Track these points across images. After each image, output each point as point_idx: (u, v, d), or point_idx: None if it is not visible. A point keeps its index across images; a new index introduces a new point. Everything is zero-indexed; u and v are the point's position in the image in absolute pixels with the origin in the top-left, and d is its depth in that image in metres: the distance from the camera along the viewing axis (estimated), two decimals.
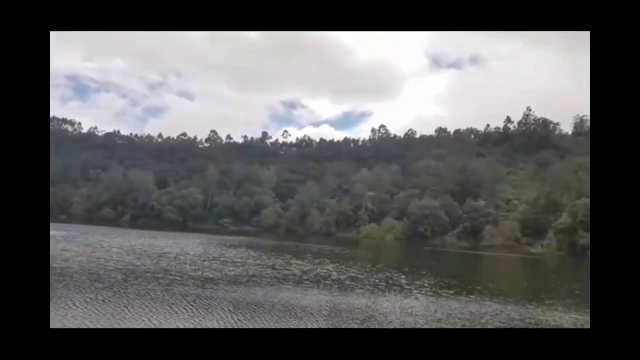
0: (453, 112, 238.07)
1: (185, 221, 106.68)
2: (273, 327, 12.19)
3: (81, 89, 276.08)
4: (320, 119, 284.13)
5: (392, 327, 12.08)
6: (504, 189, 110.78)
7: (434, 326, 12.52)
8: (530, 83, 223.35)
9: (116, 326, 12.11)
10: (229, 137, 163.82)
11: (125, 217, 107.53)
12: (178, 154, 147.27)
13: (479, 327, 12.04)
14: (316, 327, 12.54)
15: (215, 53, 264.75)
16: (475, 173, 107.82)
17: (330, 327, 12.25)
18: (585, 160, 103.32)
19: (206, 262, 29.50)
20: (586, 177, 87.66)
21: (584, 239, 67.24)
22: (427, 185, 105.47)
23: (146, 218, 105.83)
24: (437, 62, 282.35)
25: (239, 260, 32.10)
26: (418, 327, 11.58)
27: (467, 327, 11.43)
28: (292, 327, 12.52)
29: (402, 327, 11.95)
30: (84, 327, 11.33)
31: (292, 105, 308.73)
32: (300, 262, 32.76)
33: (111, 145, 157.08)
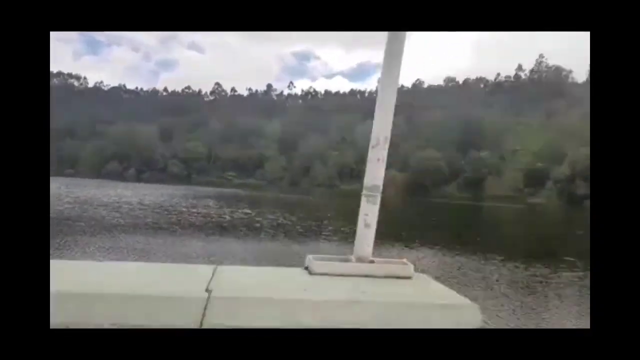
0: (468, 60, 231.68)
1: (189, 174, 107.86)
2: (274, 327, 12.65)
3: (93, 43, 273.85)
4: (333, 70, 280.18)
5: (392, 327, 12.60)
6: (511, 139, 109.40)
7: None
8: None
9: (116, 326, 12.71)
10: (233, 89, 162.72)
11: (130, 171, 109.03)
12: (183, 107, 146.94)
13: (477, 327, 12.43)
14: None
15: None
16: (478, 123, 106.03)
17: (330, 327, 12.65)
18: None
19: (145, 211, 30.40)
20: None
21: (581, 188, 66.74)
22: (430, 136, 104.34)
23: (151, 171, 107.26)
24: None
25: (184, 209, 33.09)
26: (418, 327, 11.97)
27: (467, 327, 11.84)
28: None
29: (402, 327, 12.44)
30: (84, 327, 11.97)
31: (304, 57, 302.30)
32: (248, 211, 33.24)
33: (117, 99, 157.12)
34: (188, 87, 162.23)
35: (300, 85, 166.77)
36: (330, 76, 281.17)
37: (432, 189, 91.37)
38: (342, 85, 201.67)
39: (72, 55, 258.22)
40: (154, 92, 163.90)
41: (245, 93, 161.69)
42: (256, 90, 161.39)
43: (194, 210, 32.81)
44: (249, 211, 33.44)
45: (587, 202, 65.12)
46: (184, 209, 32.98)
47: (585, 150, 70.81)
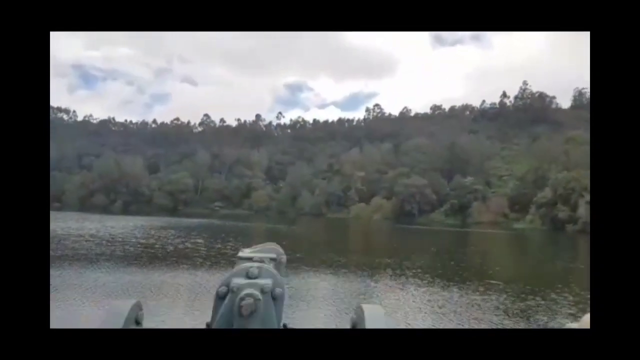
0: (455, 88, 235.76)
1: (176, 206, 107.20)
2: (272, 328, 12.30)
3: (87, 77, 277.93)
4: (326, 101, 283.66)
5: (391, 328, 12.39)
6: (497, 164, 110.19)
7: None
8: (529, 57, 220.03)
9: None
10: (222, 120, 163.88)
11: (116, 203, 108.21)
12: (170, 139, 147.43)
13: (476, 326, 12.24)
14: None
15: (214, 35, 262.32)
16: (464, 149, 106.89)
17: (330, 328, 12.31)
18: (577, 133, 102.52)
19: (89, 242, 30.22)
20: (574, 150, 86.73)
21: (563, 212, 66.81)
22: (415, 163, 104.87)
23: (138, 204, 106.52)
24: (439, 40, 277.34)
25: (134, 239, 32.84)
26: (416, 327, 11.70)
27: (467, 327, 11.66)
28: None
29: (401, 328, 12.22)
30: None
31: (297, 88, 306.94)
32: (199, 241, 32.85)
33: (105, 132, 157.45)
34: (177, 119, 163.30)
35: (294, 116, 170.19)
36: (323, 106, 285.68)
37: (418, 215, 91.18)
38: (334, 115, 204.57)
39: (67, 88, 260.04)
40: (143, 124, 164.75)
41: (234, 123, 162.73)
42: (244, 121, 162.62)
43: (142, 240, 32.54)
44: (200, 241, 32.92)
45: (570, 227, 65.36)
46: (133, 240, 32.73)
47: (566, 175, 71.28)
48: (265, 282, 2.06)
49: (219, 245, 30.40)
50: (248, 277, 2.07)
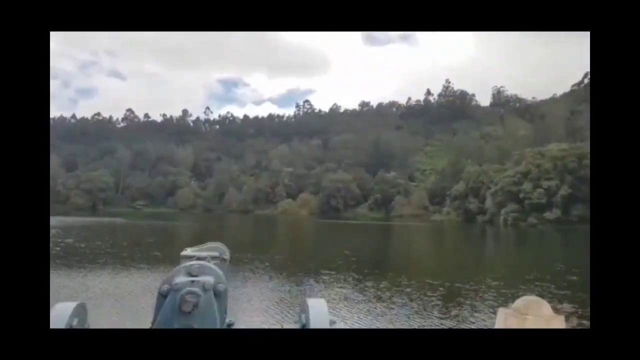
0: (384, 86, 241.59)
1: (94, 205, 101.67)
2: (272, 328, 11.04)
3: None
4: (262, 97, 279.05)
5: (391, 328, 11.71)
6: (420, 159, 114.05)
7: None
8: (453, 57, 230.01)
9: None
10: (146, 115, 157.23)
11: None
12: (90, 135, 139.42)
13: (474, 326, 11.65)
14: None
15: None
16: (388, 145, 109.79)
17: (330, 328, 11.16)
18: (492, 129, 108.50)
19: None
20: (487, 145, 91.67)
21: (473, 204, 70.43)
22: (342, 159, 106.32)
23: (53, 203, 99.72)
24: (370, 39, 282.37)
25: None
26: (415, 327, 10.98)
27: (467, 327, 11.09)
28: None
29: (400, 328, 11.56)
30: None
31: (232, 84, 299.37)
32: (69, 240, 31.19)
33: None
34: (98, 114, 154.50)
35: (229, 112, 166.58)
36: (259, 103, 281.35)
37: (344, 210, 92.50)
38: (271, 111, 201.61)
39: None
40: (61, 119, 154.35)
41: (159, 119, 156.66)
42: (171, 116, 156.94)
43: (62, 242, 30.19)
44: (69, 240, 31.00)
45: (480, 218, 69.05)
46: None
47: (477, 169, 75.16)
48: (207, 279, 2.10)
49: (97, 245, 28.70)
50: (190, 275, 2.14)
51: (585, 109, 79.04)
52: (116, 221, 57.33)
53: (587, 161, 57.60)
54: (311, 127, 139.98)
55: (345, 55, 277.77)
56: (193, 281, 2.10)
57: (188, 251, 2.56)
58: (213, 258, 2.45)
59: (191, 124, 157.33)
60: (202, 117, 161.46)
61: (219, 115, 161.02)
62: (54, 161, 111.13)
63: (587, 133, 69.59)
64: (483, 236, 48.83)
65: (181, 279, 2.13)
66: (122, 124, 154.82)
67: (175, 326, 2.01)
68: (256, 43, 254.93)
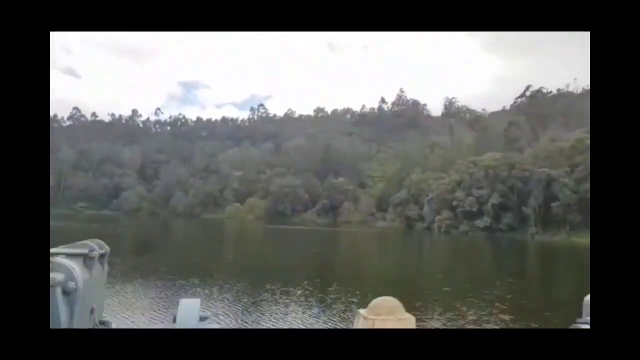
0: (341, 93, 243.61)
1: None
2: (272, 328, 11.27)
3: None
4: (224, 100, 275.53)
5: (391, 328, 10.95)
6: (372, 166, 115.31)
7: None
8: (411, 66, 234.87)
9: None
10: (94, 114, 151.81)
11: None
12: None
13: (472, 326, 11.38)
14: None
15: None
16: (338, 151, 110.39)
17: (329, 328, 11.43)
18: (440, 139, 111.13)
19: None
20: (432, 154, 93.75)
21: (412, 211, 71.74)
22: (293, 164, 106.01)
23: None
24: (332, 47, 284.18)
25: None
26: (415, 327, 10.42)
27: (466, 327, 10.72)
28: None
29: (400, 328, 10.82)
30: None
31: (193, 86, 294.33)
32: None
33: None
34: None
35: (190, 114, 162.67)
36: (220, 106, 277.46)
37: (291, 215, 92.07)
38: (232, 115, 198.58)
39: None
40: None
41: (107, 119, 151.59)
42: (120, 116, 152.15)
43: None
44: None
45: (418, 224, 70.41)
46: None
47: (418, 176, 76.60)
48: (55, 275, 2.14)
49: None
50: None
51: (521, 121, 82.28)
52: None
53: (516, 171, 59.88)
54: (265, 131, 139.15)
55: (308, 62, 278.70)
56: None
57: (57, 249, 2.56)
58: (80, 255, 2.44)
59: (140, 125, 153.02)
60: (153, 117, 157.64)
61: (170, 117, 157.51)
62: None
63: (522, 144, 72.76)
64: (412, 243, 49.85)
65: None
66: (67, 123, 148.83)
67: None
68: (218, 45, 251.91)
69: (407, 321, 4.81)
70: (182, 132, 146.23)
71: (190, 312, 2.46)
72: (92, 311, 2.45)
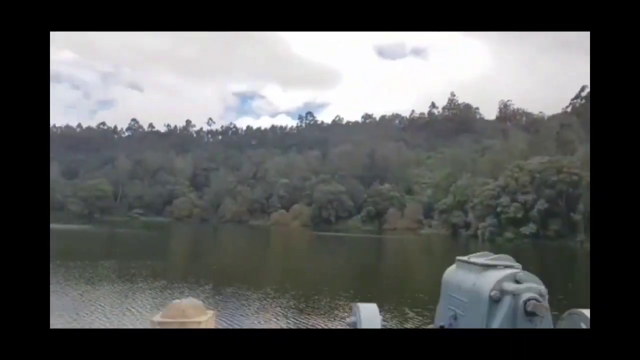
0: (391, 99, 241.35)
1: (91, 213, 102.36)
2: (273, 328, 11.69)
3: None
4: (278, 109, 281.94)
5: (390, 328, 11.91)
6: (422, 172, 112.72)
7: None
8: (463, 71, 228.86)
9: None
10: (150, 125, 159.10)
11: None
12: (94, 144, 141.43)
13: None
14: None
15: (159, 42, 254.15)
16: (385, 157, 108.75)
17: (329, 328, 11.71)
18: (492, 143, 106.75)
19: None
20: (481, 159, 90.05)
21: (458, 217, 68.90)
22: (337, 170, 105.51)
23: (51, 211, 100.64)
24: (382, 54, 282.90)
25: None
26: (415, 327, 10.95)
27: (466, 327, 10.77)
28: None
29: (400, 328, 11.96)
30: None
31: (249, 96, 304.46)
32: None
33: None
34: (103, 123, 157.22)
35: (244, 124, 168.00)
36: (274, 115, 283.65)
37: (335, 221, 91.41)
38: (282, 123, 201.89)
39: None
40: (68, 128, 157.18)
41: (163, 129, 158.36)
42: (175, 126, 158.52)
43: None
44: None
45: (463, 232, 67.45)
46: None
47: (464, 182, 73.63)
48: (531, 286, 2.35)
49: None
50: (515, 282, 2.45)
51: (574, 122, 77.20)
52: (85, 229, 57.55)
53: (564, 175, 55.86)
54: (312, 138, 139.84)
55: (357, 69, 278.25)
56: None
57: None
58: None
59: (194, 135, 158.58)
60: (205, 127, 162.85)
61: (222, 126, 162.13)
62: (54, 169, 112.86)
63: (575, 147, 68.03)
64: (457, 251, 47.52)
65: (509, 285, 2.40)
66: (126, 134, 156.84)
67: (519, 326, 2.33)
68: (270, 56, 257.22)
69: (207, 322, 4.33)
70: (232, 140, 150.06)
71: (372, 314, 2.62)
72: None
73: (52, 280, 16.00)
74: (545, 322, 2.28)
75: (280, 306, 14.43)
